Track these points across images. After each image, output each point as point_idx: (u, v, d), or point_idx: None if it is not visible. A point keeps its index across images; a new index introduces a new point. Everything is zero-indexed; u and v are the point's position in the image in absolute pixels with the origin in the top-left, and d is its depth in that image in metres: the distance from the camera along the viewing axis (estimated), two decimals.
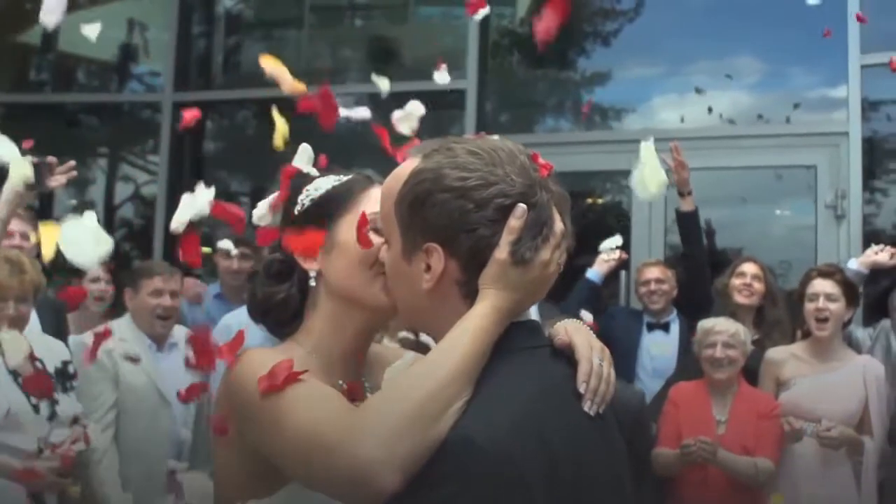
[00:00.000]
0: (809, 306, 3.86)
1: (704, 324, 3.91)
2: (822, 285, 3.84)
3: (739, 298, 4.29)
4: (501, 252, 1.23)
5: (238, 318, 3.83)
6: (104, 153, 7.53)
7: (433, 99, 6.20)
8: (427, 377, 1.18)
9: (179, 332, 3.93)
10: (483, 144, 1.27)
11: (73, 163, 3.38)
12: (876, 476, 3.73)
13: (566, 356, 1.32)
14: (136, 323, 3.80)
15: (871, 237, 5.39)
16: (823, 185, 5.49)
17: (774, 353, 3.99)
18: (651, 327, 4.81)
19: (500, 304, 1.23)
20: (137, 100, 7.43)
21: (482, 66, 6.28)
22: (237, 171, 7.31)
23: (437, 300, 1.27)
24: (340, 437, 1.15)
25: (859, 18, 4.95)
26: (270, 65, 1.72)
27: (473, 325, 1.22)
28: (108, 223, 7.28)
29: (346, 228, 1.48)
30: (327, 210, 1.50)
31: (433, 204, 1.23)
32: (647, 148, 3.03)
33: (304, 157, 1.59)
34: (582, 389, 1.28)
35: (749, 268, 4.35)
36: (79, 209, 6.81)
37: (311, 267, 1.50)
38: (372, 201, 1.48)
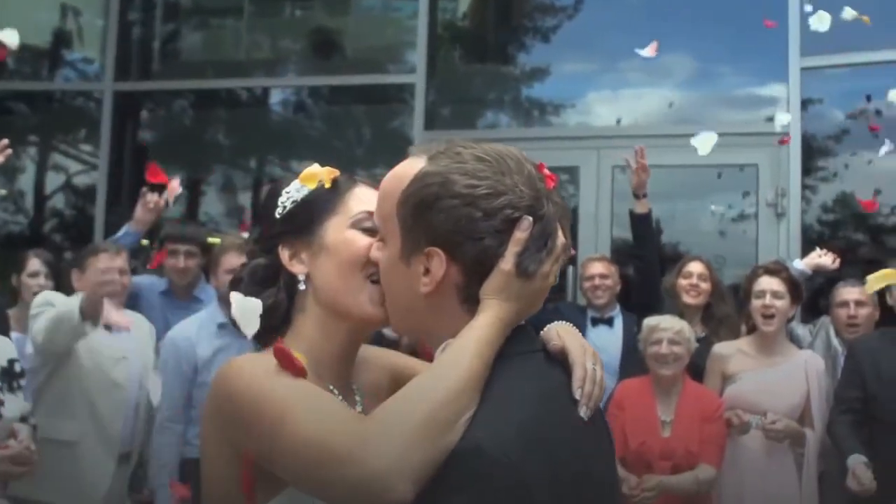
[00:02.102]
0: (756, 303, 3.95)
1: (650, 321, 3.95)
2: (768, 283, 3.93)
3: (687, 299, 4.35)
4: (507, 264, 1.22)
5: (186, 329, 3.82)
6: (34, 142, 7.31)
7: (377, 93, 6.20)
8: (437, 387, 1.16)
9: (130, 315, 3.93)
10: (490, 150, 1.26)
11: (6, 141, 3.30)
12: (817, 467, 3.84)
13: (559, 360, 1.32)
14: None
15: (805, 233, 5.56)
16: (764, 184, 5.63)
17: (721, 347, 4.07)
18: (595, 322, 4.85)
19: (503, 314, 1.23)
20: (77, 88, 7.22)
21: (430, 60, 6.24)
22: (175, 161, 7.16)
23: (433, 303, 1.26)
24: (351, 447, 1.13)
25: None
26: None
27: (478, 336, 1.21)
28: (38, 213, 7.09)
29: (334, 230, 1.44)
30: (313, 212, 1.46)
31: (440, 209, 1.22)
32: None
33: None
34: (577, 395, 1.28)
35: (695, 267, 4.40)
36: (8, 198, 6.55)
37: (299, 271, 1.46)
38: (358, 200, 1.46)
